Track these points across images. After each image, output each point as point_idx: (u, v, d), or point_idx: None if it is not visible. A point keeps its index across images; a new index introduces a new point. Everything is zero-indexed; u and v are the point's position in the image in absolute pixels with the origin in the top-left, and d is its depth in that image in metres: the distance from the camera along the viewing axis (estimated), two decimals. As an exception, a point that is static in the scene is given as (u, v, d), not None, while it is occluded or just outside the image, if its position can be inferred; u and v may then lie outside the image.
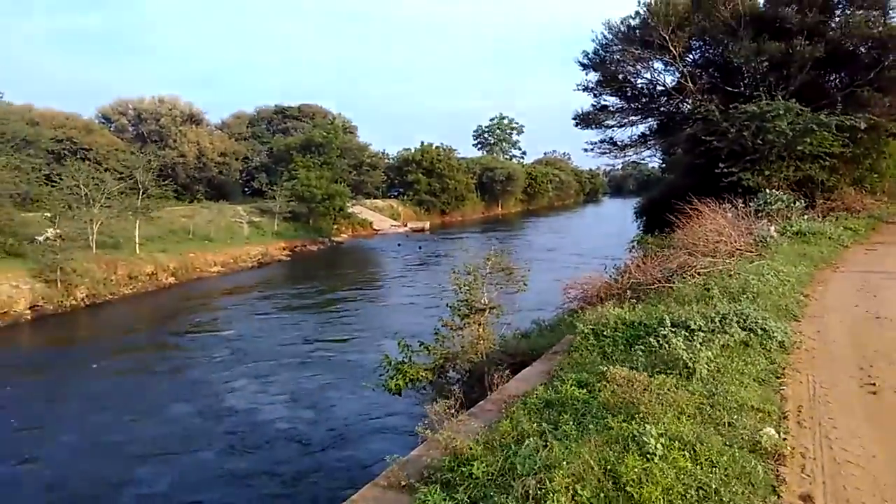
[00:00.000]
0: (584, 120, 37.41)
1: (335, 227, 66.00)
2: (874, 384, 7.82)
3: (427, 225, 78.86)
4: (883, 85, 28.12)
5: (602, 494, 4.19)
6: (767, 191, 24.62)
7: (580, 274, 16.36)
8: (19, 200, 37.26)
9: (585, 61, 35.44)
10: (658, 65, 34.52)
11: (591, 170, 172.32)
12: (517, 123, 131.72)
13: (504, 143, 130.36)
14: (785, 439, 5.64)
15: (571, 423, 5.43)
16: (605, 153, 38.54)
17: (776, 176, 27.73)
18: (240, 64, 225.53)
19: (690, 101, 32.41)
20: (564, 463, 4.41)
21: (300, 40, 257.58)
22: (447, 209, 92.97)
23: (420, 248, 57.52)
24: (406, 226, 77.82)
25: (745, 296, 9.44)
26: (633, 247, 22.05)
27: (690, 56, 34.45)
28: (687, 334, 7.09)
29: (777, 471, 5.13)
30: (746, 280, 10.44)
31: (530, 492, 4.13)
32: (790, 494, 4.91)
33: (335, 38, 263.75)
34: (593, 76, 36.03)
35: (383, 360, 11.99)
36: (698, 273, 11.05)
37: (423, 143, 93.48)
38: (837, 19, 29.96)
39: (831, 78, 31.37)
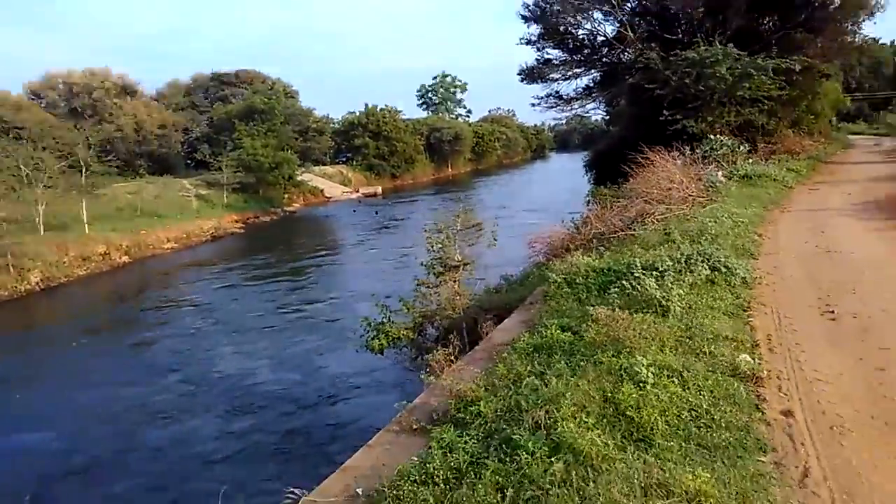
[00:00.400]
0: (529, 74, 37.69)
1: (286, 196, 65.19)
2: (833, 312, 8.64)
3: (379, 189, 78.52)
4: (814, 26, 29.15)
5: (605, 420, 4.69)
6: (712, 136, 25.48)
7: (539, 229, 16.97)
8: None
9: (527, 13, 35.62)
10: (598, 15, 34.85)
11: (536, 126, 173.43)
12: (461, 81, 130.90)
13: (449, 103, 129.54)
14: (759, 364, 6.29)
15: (562, 362, 5.91)
16: (552, 107, 38.98)
17: (718, 121, 28.64)
18: (166, 32, 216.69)
19: (632, 51, 32.92)
20: (568, 394, 4.90)
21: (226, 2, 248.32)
22: (397, 173, 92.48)
23: (377, 212, 57.43)
24: (358, 192, 77.31)
25: (703, 238, 10.09)
26: (590, 200, 22.66)
27: (629, 4, 34.89)
28: (657, 275, 7.65)
29: (757, 392, 5.77)
30: (704, 223, 11.14)
31: (540, 421, 4.60)
32: (772, 411, 5.54)
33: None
34: (535, 29, 36.27)
35: (362, 321, 12.35)
36: (657, 219, 11.67)
37: (367, 105, 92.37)
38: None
39: (765, 21, 32.23)
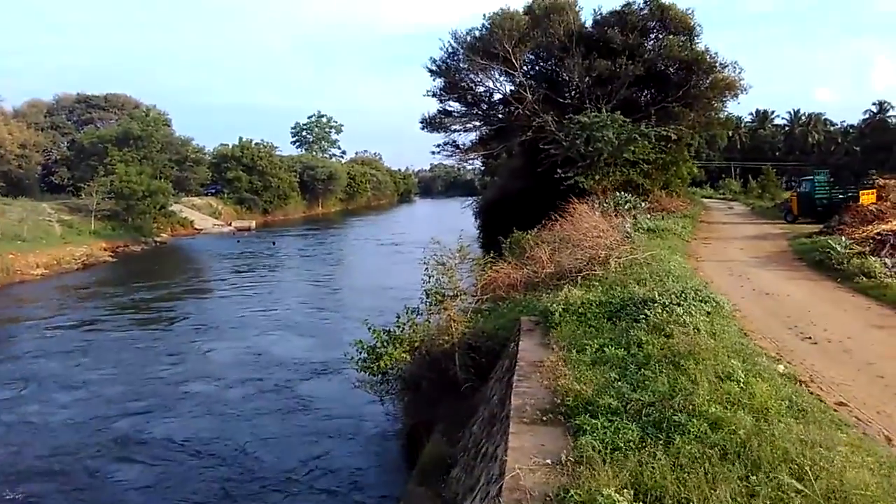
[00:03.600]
0: (430, 123, 39.56)
1: (155, 226, 62.58)
2: (811, 338, 10.70)
3: (253, 224, 77.20)
4: (689, 102, 33.20)
5: (731, 405, 5.86)
6: (618, 193, 28.22)
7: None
8: None
9: (433, 68, 37.60)
10: (497, 75, 37.46)
11: (401, 170, 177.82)
12: (336, 122, 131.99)
13: (324, 142, 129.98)
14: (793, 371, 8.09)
15: (639, 370, 6.94)
16: (449, 155, 41.06)
17: (606, 179, 31.60)
18: (15, 48, 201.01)
19: (528, 110, 35.62)
20: (689, 386, 6.12)
21: (85, 23, 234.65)
22: (269, 208, 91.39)
23: (274, 243, 58.51)
24: (231, 224, 75.59)
25: (670, 277, 11.77)
26: (508, 243, 24.19)
27: (525, 68, 37.84)
28: (663, 305, 9.08)
29: (809, 389, 7.51)
30: (666, 266, 12.90)
31: (683, 405, 5.69)
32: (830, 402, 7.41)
33: (125, 18, 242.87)
34: (439, 82, 38.29)
35: (356, 343, 12.87)
36: (613, 262, 13.27)
37: (241, 138, 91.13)
38: (652, 42, 34.75)
39: (644, 94, 36.18)
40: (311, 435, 14.68)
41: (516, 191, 37.50)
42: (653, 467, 4.78)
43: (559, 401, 6.50)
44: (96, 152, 62.12)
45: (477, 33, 35.77)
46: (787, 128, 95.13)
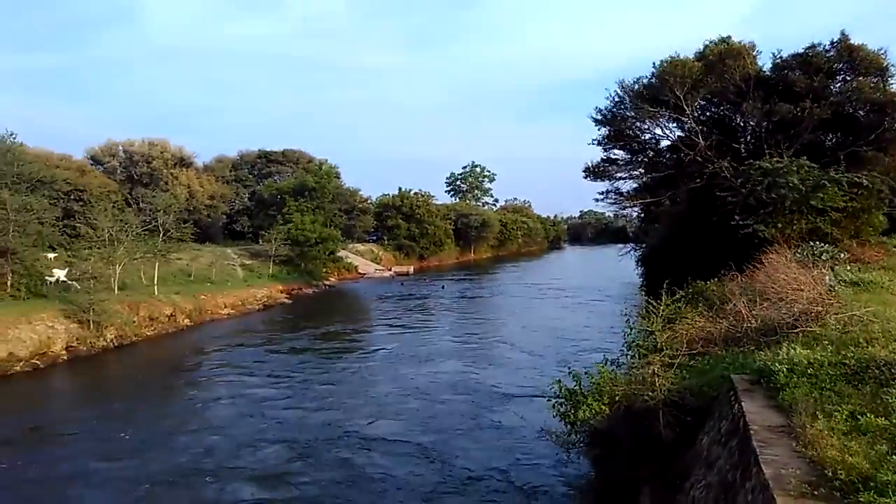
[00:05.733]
0: (593, 172, 39.38)
1: (324, 270, 66.51)
2: None
3: (411, 269, 79.95)
4: (883, 146, 30.68)
5: None
6: (812, 243, 26.45)
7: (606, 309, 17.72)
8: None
9: (598, 117, 37.48)
10: (666, 121, 36.68)
11: (550, 217, 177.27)
12: (489, 171, 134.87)
13: (476, 191, 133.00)
14: None
15: None
16: (613, 203, 40.52)
17: (789, 228, 29.70)
18: (195, 108, 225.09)
19: (700, 156, 34.44)
20: None
21: (253, 85, 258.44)
22: (425, 254, 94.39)
23: (443, 287, 62.40)
24: (391, 269, 78.68)
25: (904, 338, 10.75)
26: (689, 294, 23.22)
27: (696, 114, 36.77)
28: (914, 367, 8.31)
29: None
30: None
31: None
32: None
33: (290, 84, 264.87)
34: (604, 131, 38.10)
35: (555, 384, 12.78)
36: (831, 319, 12.30)
37: (400, 188, 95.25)
38: (840, 84, 32.59)
39: (830, 138, 33.89)
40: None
41: (683, 239, 36.16)
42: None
43: (829, 473, 6.01)
44: (274, 202, 67.42)
45: (645, 81, 35.37)
46: None
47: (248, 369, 26.97)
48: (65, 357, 28.50)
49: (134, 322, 33.83)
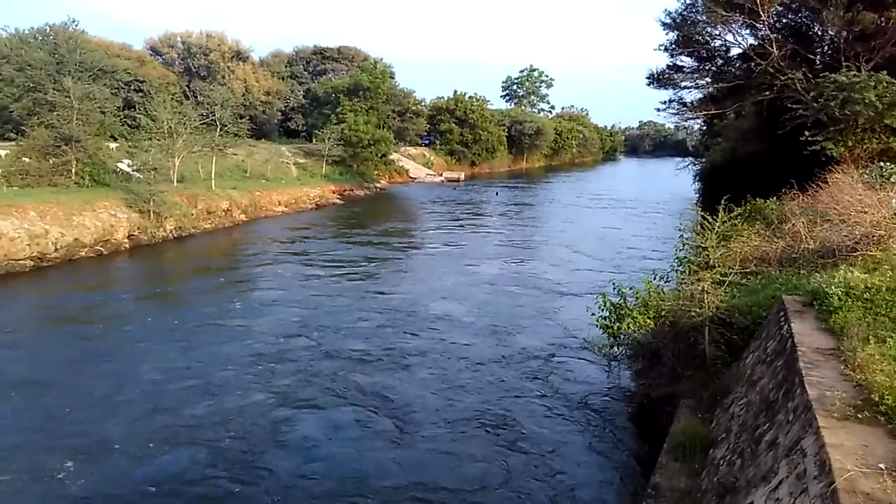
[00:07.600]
0: (657, 79, 37.78)
1: (376, 172, 66.65)
2: None
3: (462, 175, 79.35)
4: (973, 65, 28.47)
5: None
6: (882, 163, 25.16)
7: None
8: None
9: (667, 20, 35.65)
10: (739, 27, 34.64)
11: (607, 127, 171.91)
12: (547, 77, 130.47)
13: (533, 97, 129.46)
14: None
15: None
16: (675, 113, 39.09)
17: (859, 147, 28.30)
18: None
19: (772, 67, 32.60)
20: None
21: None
22: (477, 161, 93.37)
23: (497, 193, 62.76)
24: (441, 175, 78.37)
25: None
26: (747, 212, 22.57)
27: (772, 20, 34.55)
28: None
29: None
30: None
31: None
32: None
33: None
34: (672, 36, 36.28)
35: (600, 298, 12.82)
36: (888, 243, 11.87)
37: (455, 91, 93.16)
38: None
39: (917, 52, 31.56)
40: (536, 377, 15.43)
41: (747, 154, 34.89)
42: None
43: (875, 398, 5.92)
44: (329, 101, 67.03)
45: (721, -18, 33.17)
46: None
47: (313, 260, 28.42)
48: (126, 245, 29.71)
49: (192, 214, 34.80)
